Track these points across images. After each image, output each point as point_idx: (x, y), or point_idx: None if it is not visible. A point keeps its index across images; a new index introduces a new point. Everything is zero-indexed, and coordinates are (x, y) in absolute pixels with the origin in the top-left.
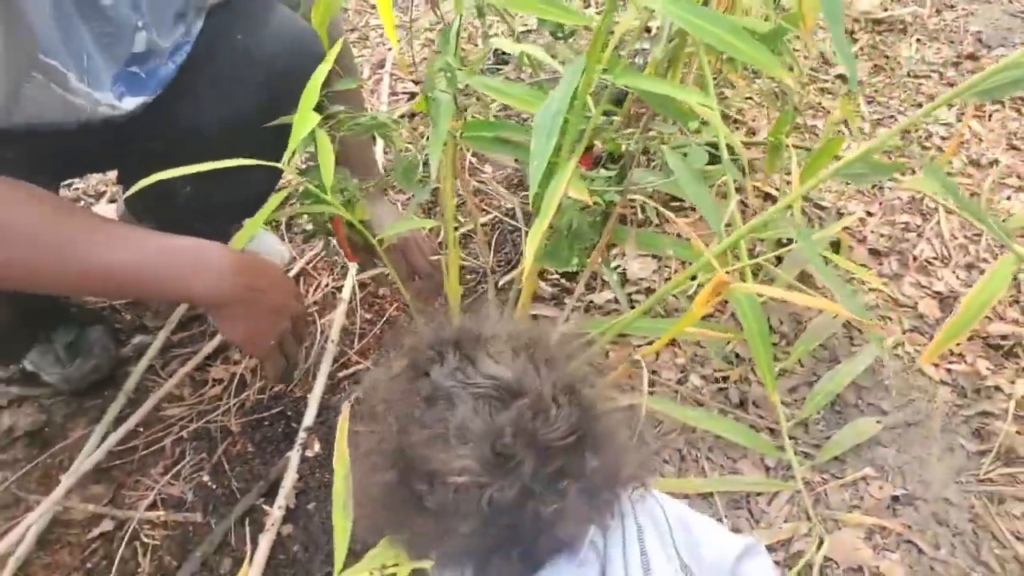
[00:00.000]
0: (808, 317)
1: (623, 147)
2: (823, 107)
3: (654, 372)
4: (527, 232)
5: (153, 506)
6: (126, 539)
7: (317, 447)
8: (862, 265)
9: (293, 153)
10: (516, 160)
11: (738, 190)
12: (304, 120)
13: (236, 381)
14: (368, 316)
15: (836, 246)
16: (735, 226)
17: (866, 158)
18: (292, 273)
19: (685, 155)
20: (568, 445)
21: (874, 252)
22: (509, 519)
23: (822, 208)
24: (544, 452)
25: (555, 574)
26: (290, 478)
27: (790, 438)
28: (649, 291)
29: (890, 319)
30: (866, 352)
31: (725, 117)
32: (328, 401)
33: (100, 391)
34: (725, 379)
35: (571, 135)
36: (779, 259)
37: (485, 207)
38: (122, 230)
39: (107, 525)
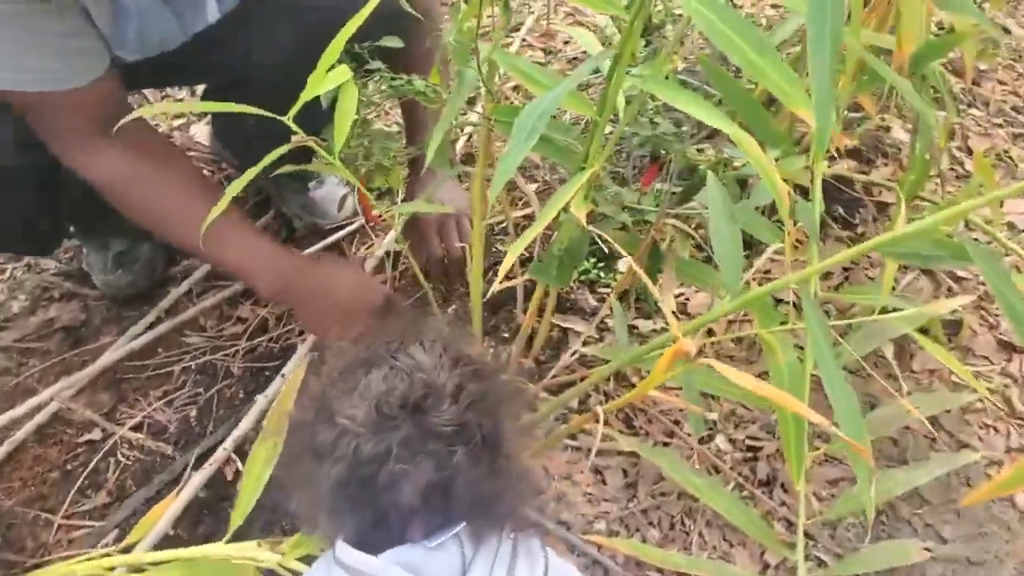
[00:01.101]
0: (887, 400)
1: (701, 164)
2: (1009, 157)
3: (676, 423)
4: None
5: (138, 427)
6: (104, 452)
7: None
8: (983, 356)
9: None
10: (543, 157)
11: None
12: (320, 79)
13: (256, 324)
14: (401, 283)
15: (958, 326)
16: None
17: (927, 235)
18: (351, 228)
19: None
20: (443, 434)
21: (1005, 344)
22: (367, 471)
23: (958, 280)
24: (421, 428)
25: (408, 550)
26: (246, 423)
27: (807, 537)
28: (710, 331)
29: (995, 430)
30: (942, 461)
31: (875, 149)
32: None
33: (141, 303)
34: (757, 449)
35: (596, 141)
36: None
37: (524, 203)
38: (231, 232)
39: (96, 434)
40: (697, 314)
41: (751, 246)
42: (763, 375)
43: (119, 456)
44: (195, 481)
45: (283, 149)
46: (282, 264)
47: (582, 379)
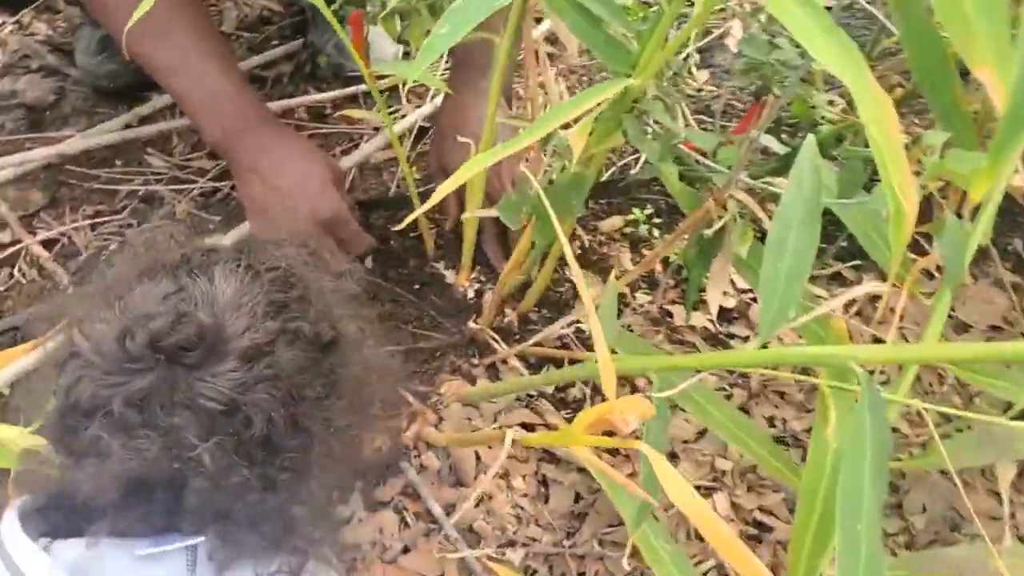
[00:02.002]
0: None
1: (826, 123)
2: None
3: (684, 441)
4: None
5: (51, 243)
6: (3, 259)
7: None
8: None
9: None
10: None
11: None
12: None
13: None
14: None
15: None
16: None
17: None
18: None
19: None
20: (203, 409)
21: None
22: (72, 422)
23: None
24: (171, 388)
25: (102, 550)
26: None
27: None
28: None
29: None
30: None
31: None
32: None
33: (119, 102)
34: (766, 529)
35: (655, 39)
36: None
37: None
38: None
39: (6, 236)
40: (758, 323)
41: (865, 255)
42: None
43: (16, 269)
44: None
45: None
46: (232, 113)
47: (572, 362)
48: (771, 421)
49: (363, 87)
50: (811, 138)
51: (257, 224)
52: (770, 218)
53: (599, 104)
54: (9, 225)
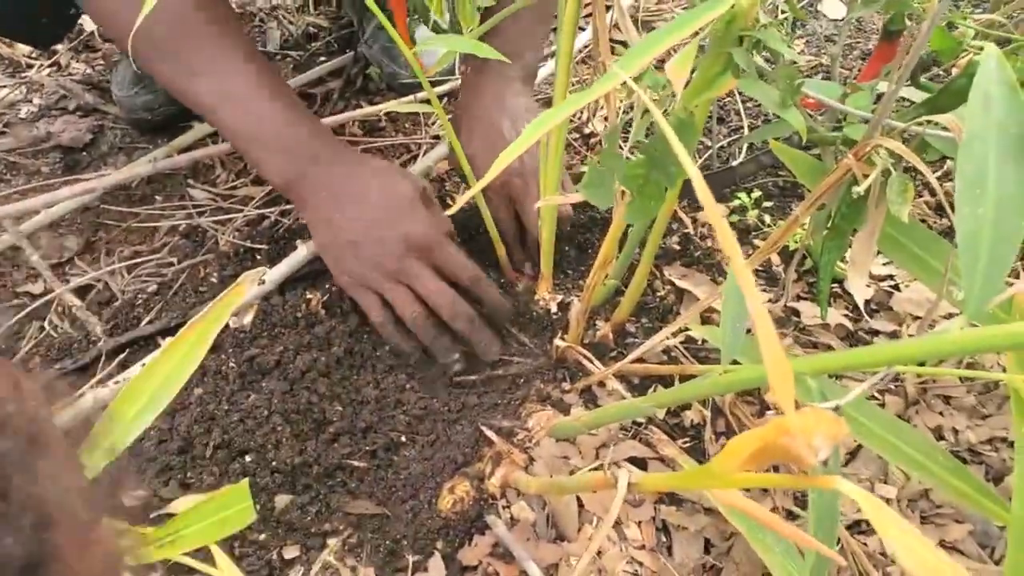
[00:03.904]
0: None
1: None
2: None
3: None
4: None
5: (84, 291)
6: (33, 311)
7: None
8: None
9: None
10: None
11: None
12: None
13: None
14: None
15: None
16: None
17: None
18: (444, 88)
19: None
20: None
21: None
22: None
23: None
24: None
25: None
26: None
27: None
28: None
29: None
30: None
31: None
32: None
33: (160, 136)
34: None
35: None
36: None
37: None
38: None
39: (38, 287)
40: (905, 315)
41: None
42: (1000, 441)
43: (47, 322)
44: (88, 399)
45: None
46: (298, 141)
47: (684, 379)
48: (939, 432)
49: (419, 94)
50: (992, 47)
51: (339, 268)
52: (943, 177)
53: (699, 32)
54: (40, 275)
